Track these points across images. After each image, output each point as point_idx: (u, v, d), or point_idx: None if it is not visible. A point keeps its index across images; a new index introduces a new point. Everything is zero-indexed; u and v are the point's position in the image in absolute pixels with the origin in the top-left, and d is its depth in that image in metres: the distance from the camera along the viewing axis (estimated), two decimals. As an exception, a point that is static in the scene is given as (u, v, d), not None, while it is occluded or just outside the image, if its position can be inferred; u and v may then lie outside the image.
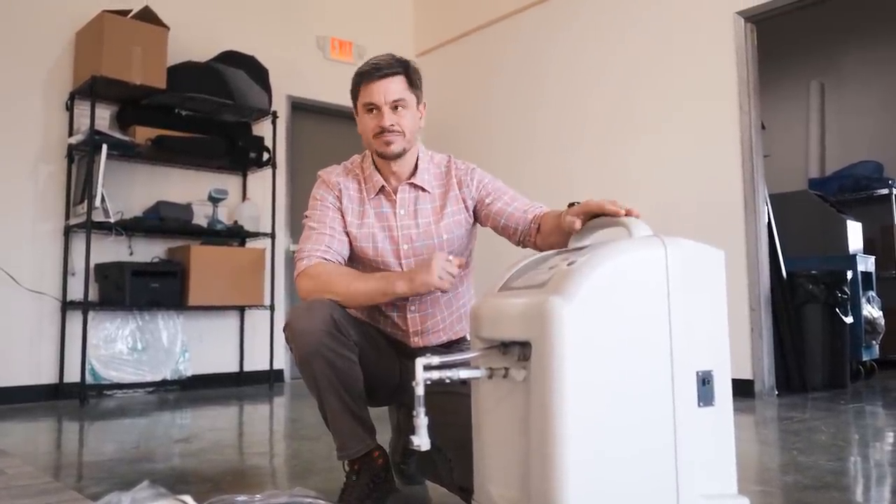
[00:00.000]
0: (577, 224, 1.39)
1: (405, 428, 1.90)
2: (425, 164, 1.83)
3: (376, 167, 1.81)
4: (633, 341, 1.14)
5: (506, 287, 1.32)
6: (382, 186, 1.79)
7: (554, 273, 1.19)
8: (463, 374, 1.26)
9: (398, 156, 1.76)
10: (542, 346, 1.13)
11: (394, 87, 1.71)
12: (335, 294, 1.64)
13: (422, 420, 1.21)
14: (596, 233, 1.41)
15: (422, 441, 1.20)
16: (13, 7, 4.27)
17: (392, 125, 1.70)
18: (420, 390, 1.20)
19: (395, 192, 1.80)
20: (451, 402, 1.57)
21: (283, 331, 1.64)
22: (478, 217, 1.83)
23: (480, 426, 1.35)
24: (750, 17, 4.01)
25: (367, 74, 1.71)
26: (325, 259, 1.71)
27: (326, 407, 1.63)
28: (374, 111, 1.72)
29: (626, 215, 1.32)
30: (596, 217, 1.39)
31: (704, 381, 1.20)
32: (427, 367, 1.22)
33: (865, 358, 4.61)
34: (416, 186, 1.81)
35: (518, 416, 1.21)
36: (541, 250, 1.68)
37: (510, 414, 1.24)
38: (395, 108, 1.71)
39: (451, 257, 1.61)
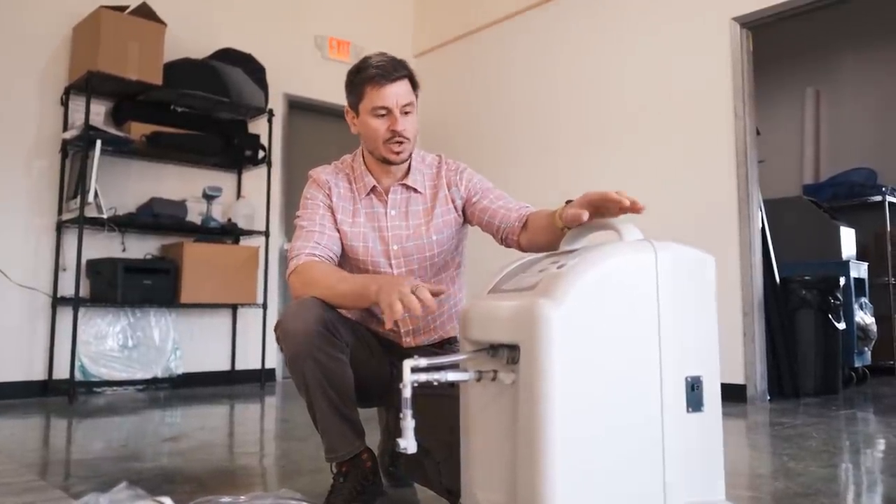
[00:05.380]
0: (586, 215, 1.33)
1: (394, 430, 1.89)
2: (417, 164, 1.82)
3: (367, 168, 1.80)
4: (622, 345, 1.13)
5: (495, 289, 1.31)
6: (374, 187, 1.79)
7: (543, 276, 1.18)
8: (451, 376, 1.25)
9: (404, 162, 1.76)
10: (530, 350, 1.12)
11: (404, 90, 1.69)
12: (321, 294, 1.62)
13: (408, 423, 1.19)
14: (587, 236, 1.40)
15: (408, 444, 1.19)
16: (10, 1, 4.24)
17: (404, 130, 1.69)
18: (407, 392, 1.19)
19: (387, 193, 1.79)
20: (440, 405, 1.56)
21: (274, 330, 1.63)
22: (466, 216, 1.83)
23: (468, 429, 1.34)
24: (746, 23, 4.02)
25: (378, 78, 1.67)
26: (315, 255, 1.69)
27: (315, 408, 1.62)
28: (385, 115, 1.69)
29: (630, 207, 1.27)
30: (598, 211, 1.33)
31: (693, 386, 1.19)
32: (415, 369, 1.20)
33: (857, 364, 4.62)
34: (408, 188, 1.80)
35: (506, 420, 1.20)
36: (524, 250, 1.67)
37: (498, 417, 1.23)
38: (405, 112, 1.70)
39: (424, 287, 1.43)
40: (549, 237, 1.52)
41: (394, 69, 1.68)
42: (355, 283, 1.61)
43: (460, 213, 1.82)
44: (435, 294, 1.43)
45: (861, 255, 5.26)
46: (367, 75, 1.68)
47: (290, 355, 1.59)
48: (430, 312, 1.42)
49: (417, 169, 1.82)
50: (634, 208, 1.28)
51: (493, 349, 1.24)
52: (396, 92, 1.68)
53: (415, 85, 1.74)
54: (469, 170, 1.86)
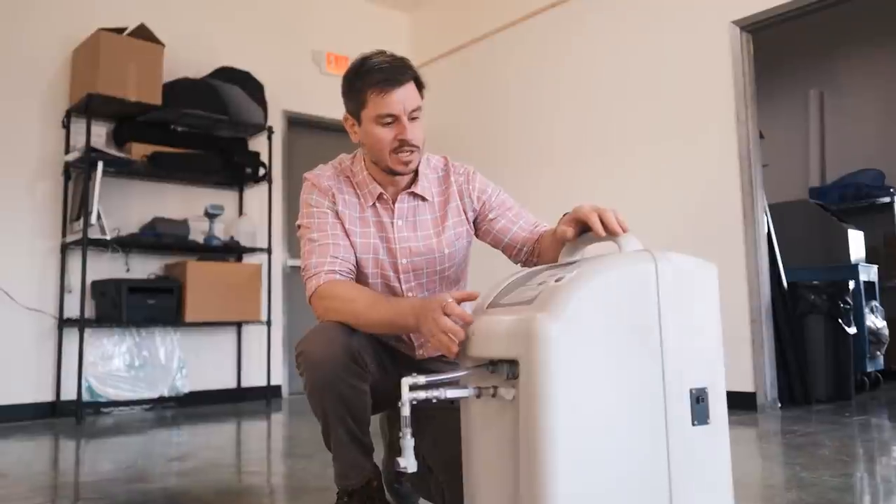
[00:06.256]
0: (570, 234, 1.32)
1: (397, 447, 1.86)
2: (423, 169, 1.70)
3: (371, 175, 1.67)
4: (624, 359, 1.11)
5: (494, 304, 1.29)
6: (380, 194, 1.66)
7: (542, 289, 1.16)
8: (450, 393, 1.22)
9: (412, 172, 1.65)
10: (529, 365, 1.09)
11: (411, 94, 1.55)
12: (349, 321, 1.52)
13: (408, 441, 1.17)
14: (586, 247, 1.37)
15: (408, 463, 1.17)
16: (10, 26, 4.27)
17: (413, 138, 1.56)
18: (406, 411, 1.17)
19: (394, 201, 1.67)
20: (443, 421, 1.53)
21: (297, 357, 1.54)
22: (478, 231, 1.74)
23: (470, 446, 1.31)
24: (745, 26, 4.00)
25: (383, 83, 1.52)
26: (335, 271, 1.59)
27: (332, 435, 1.57)
28: (392, 123, 1.55)
29: (610, 233, 1.26)
30: (587, 227, 1.32)
31: (698, 398, 1.16)
32: (413, 387, 1.18)
33: (870, 369, 4.56)
34: (415, 195, 1.68)
35: (507, 437, 1.18)
36: None
37: (499, 434, 1.21)
38: (413, 118, 1.56)
39: (451, 302, 1.33)
40: (556, 252, 1.47)
41: (399, 71, 1.54)
42: (388, 312, 1.49)
43: (472, 225, 1.74)
44: (464, 300, 1.35)
45: (871, 258, 5.20)
46: (370, 80, 1.53)
47: (312, 387, 1.51)
48: (469, 323, 1.30)
49: (424, 174, 1.69)
50: (612, 232, 1.26)
51: (493, 365, 1.21)
52: (404, 97, 1.53)
53: (420, 86, 1.59)
54: (479, 177, 1.76)
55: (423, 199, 1.69)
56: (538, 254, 1.65)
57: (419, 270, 1.68)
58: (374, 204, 1.67)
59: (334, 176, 1.69)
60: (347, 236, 1.64)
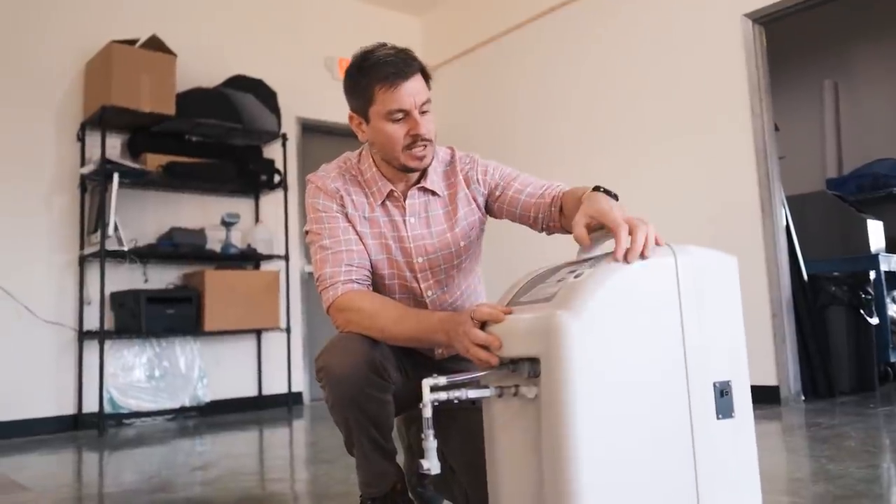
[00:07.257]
0: (586, 242, 1.27)
1: (417, 450, 1.85)
2: (433, 163, 1.66)
3: (381, 172, 1.63)
4: (646, 354, 1.10)
5: (513, 302, 1.28)
6: (391, 191, 1.62)
7: (561, 286, 1.15)
8: (471, 393, 1.21)
9: (427, 166, 1.61)
10: (550, 363, 1.09)
11: (419, 87, 1.51)
12: (373, 335, 1.50)
13: (430, 443, 1.17)
14: (604, 242, 1.36)
15: (431, 465, 1.16)
16: (23, 40, 4.32)
17: (427, 132, 1.51)
18: (427, 412, 1.16)
19: (405, 198, 1.62)
20: (465, 421, 1.52)
21: (317, 372, 1.51)
22: (491, 211, 1.70)
23: (492, 447, 1.30)
24: (757, 18, 3.97)
25: (391, 77, 1.48)
26: (352, 281, 1.55)
27: (356, 445, 1.55)
28: (403, 118, 1.50)
29: (629, 259, 1.13)
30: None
31: (722, 392, 1.15)
32: (434, 388, 1.17)
33: (893, 359, 4.50)
34: (426, 191, 1.64)
35: (530, 436, 1.17)
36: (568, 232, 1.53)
37: (522, 433, 1.20)
38: (423, 111, 1.52)
39: (480, 309, 1.27)
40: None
41: (406, 64, 1.50)
42: (415, 328, 1.45)
43: (484, 211, 1.70)
44: (505, 312, 1.24)
45: (891, 248, 5.13)
46: (376, 75, 1.49)
47: (334, 401, 1.49)
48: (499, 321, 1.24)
49: (433, 168, 1.64)
50: (633, 258, 1.13)
51: (514, 364, 1.21)
52: (413, 90, 1.49)
53: (427, 77, 1.56)
54: (480, 159, 1.71)
55: (434, 193, 1.65)
56: (560, 217, 1.57)
57: (436, 267, 1.65)
58: (383, 202, 1.63)
59: (340, 176, 1.64)
60: (360, 239, 1.61)
